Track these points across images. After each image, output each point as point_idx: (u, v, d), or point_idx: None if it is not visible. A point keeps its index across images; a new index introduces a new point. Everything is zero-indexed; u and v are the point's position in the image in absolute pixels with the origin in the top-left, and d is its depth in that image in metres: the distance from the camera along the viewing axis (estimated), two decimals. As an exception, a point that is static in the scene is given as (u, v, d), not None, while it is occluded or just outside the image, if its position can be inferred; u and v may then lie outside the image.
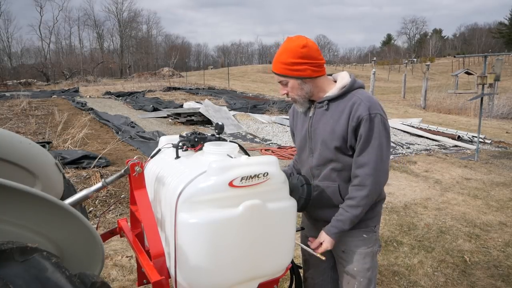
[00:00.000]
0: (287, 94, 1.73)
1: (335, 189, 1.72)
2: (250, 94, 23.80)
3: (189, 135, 1.74)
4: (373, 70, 19.04)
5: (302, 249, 1.93)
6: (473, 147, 8.66)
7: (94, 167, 5.98)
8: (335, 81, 1.75)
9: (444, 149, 8.98)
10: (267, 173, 1.45)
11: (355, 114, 1.59)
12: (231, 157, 1.54)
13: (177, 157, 1.66)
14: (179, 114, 12.10)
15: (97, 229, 1.24)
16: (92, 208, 4.42)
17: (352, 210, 1.64)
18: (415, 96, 22.64)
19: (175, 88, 25.05)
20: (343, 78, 1.72)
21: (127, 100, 18.77)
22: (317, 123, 1.73)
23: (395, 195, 5.35)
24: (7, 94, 21.43)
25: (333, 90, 1.70)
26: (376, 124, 1.58)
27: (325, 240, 1.70)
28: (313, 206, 1.72)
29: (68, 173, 5.59)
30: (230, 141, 1.71)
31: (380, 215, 1.84)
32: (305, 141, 1.79)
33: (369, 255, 1.76)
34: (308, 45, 1.62)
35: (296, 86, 1.68)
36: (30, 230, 1.04)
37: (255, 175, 1.42)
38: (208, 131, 10.27)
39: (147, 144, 8.16)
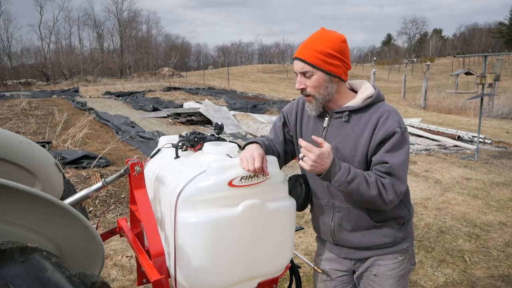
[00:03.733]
0: (303, 90, 1.49)
1: (363, 209, 1.53)
2: (250, 94, 23.81)
3: (188, 135, 1.75)
4: (373, 70, 19.06)
5: (315, 281, 1.80)
6: (473, 147, 8.66)
7: (94, 167, 5.98)
8: (352, 89, 1.60)
9: (444, 149, 8.98)
10: (267, 173, 1.45)
11: (382, 127, 1.43)
12: (231, 157, 1.54)
13: (177, 156, 1.66)
14: (179, 114, 12.10)
15: (97, 229, 1.24)
16: (92, 208, 4.43)
17: (362, 186, 1.40)
18: (415, 96, 22.64)
19: (175, 88, 25.07)
20: (366, 88, 1.54)
21: (127, 100, 18.78)
22: (334, 136, 1.52)
23: (395, 195, 5.35)
24: (7, 94, 21.44)
25: (355, 100, 1.51)
26: (405, 139, 1.45)
27: (327, 155, 1.35)
28: (337, 231, 1.60)
29: (68, 173, 5.59)
30: (230, 141, 1.71)
31: (413, 231, 1.68)
32: None
33: (403, 276, 1.62)
34: (346, 41, 1.47)
35: (322, 82, 1.46)
36: (30, 230, 1.04)
37: (254, 175, 1.42)
38: (208, 131, 10.27)
39: (147, 144, 8.17)
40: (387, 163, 1.42)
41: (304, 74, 1.47)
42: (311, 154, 1.35)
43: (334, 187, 1.47)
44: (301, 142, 1.39)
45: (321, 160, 1.36)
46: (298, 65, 1.48)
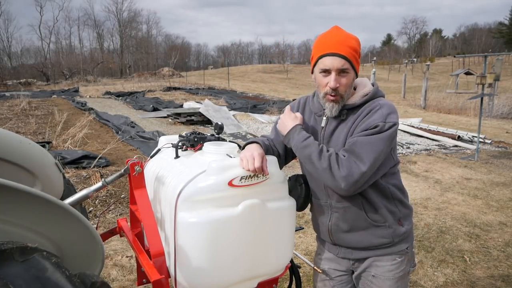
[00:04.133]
0: (336, 89, 1.44)
1: (359, 209, 1.52)
2: (250, 94, 23.81)
3: (188, 135, 1.75)
4: (373, 70, 19.04)
5: (314, 281, 1.81)
6: (473, 147, 8.66)
7: (94, 167, 5.98)
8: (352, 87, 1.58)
9: (444, 149, 8.98)
10: (267, 173, 1.45)
11: (368, 119, 1.43)
12: (231, 157, 1.54)
13: (177, 156, 1.66)
14: (179, 114, 12.11)
15: (97, 229, 1.24)
16: (92, 208, 4.43)
17: (314, 155, 1.42)
18: (415, 96, 22.65)
19: (175, 88, 25.07)
20: (364, 85, 1.54)
21: (127, 100, 18.78)
22: (331, 135, 1.53)
23: (395, 195, 5.35)
24: (7, 94, 21.43)
25: (354, 98, 1.51)
26: (386, 132, 1.40)
27: (285, 123, 1.55)
28: (334, 231, 1.59)
29: (68, 173, 5.59)
30: (230, 141, 1.71)
31: (412, 233, 1.66)
32: None
33: (402, 278, 1.60)
34: None
35: (351, 81, 1.46)
36: (30, 230, 1.04)
37: (254, 175, 1.42)
38: (208, 131, 10.27)
39: (147, 144, 8.17)
40: (353, 140, 1.42)
41: (342, 71, 1.42)
42: (282, 114, 1.60)
43: (337, 200, 1.54)
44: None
45: (285, 119, 1.57)
46: (338, 62, 1.41)
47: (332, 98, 1.46)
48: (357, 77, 1.52)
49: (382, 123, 1.40)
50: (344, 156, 1.40)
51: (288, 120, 1.55)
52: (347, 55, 1.41)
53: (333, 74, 1.43)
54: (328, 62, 1.42)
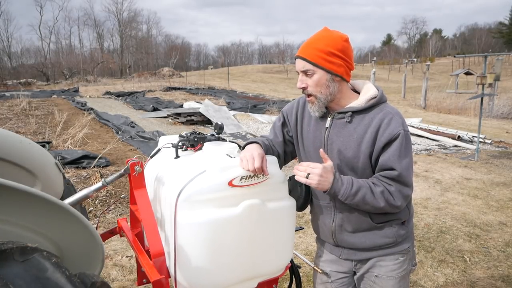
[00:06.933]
0: (305, 89, 1.50)
1: (363, 211, 1.52)
2: (250, 94, 23.81)
3: (188, 135, 1.75)
4: (373, 70, 19.03)
5: (315, 282, 1.80)
6: (473, 147, 8.66)
7: (94, 167, 5.98)
8: (354, 89, 1.58)
9: (444, 149, 8.98)
10: (267, 173, 1.45)
11: (387, 129, 1.43)
12: (231, 157, 1.54)
13: (177, 157, 1.66)
14: (179, 114, 12.11)
15: (97, 229, 1.24)
16: (92, 208, 4.43)
17: (368, 197, 1.43)
18: (415, 96, 22.66)
19: (175, 88, 25.09)
20: (369, 89, 1.53)
21: (127, 100, 18.78)
22: (336, 136, 1.52)
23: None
24: (7, 94, 21.43)
25: (359, 101, 1.51)
26: (409, 142, 1.47)
27: (326, 177, 1.39)
28: (338, 232, 1.60)
29: (68, 173, 5.59)
30: (230, 141, 1.71)
31: (413, 232, 1.68)
32: (319, 154, 1.55)
33: (404, 277, 1.62)
34: (349, 41, 1.47)
35: (324, 81, 1.46)
36: (30, 230, 1.04)
37: (254, 175, 1.42)
38: (208, 131, 10.27)
39: (147, 144, 8.17)
40: (394, 169, 1.44)
41: (305, 72, 1.47)
42: (316, 169, 1.39)
43: (341, 201, 1.49)
44: (301, 164, 1.44)
45: (326, 173, 1.40)
46: (300, 64, 1.48)
47: (307, 98, 1.53)
48: (338, 77, 1.47)
49: (403, 131, 1.44)
50: (392, 186, 1.44)
51: (327, 174, 1.41)
52: (309, 56, 1.45)
53: (299, 76, 1.51)
54: (296, 64, 1.51)
